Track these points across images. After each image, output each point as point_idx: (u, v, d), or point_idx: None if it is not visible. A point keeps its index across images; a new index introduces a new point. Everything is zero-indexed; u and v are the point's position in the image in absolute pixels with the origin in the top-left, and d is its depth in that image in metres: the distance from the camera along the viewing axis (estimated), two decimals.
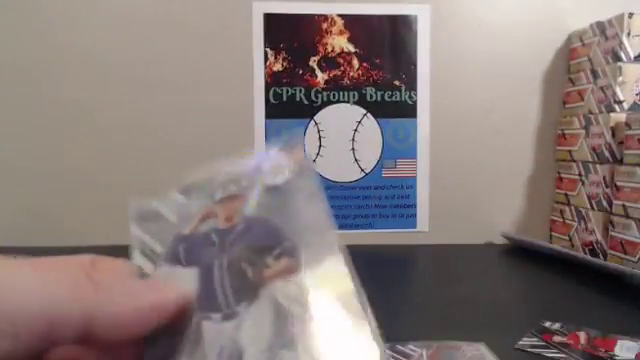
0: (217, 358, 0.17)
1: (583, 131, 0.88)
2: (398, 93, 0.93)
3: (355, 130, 0.92)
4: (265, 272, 0.19)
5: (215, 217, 0.20)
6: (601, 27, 0.86)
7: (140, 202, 0.22)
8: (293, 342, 0.17)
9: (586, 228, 0.84)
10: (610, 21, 0.84)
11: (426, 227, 0.94)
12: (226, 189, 0.21)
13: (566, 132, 0.93)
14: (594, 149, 0.84)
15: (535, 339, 0.48)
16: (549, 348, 0.46)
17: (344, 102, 0.92)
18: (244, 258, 0.19)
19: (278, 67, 0.91)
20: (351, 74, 0.92)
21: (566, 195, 0.91)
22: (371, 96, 0.92)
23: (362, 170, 0.93)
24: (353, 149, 0.92)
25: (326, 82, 0.92)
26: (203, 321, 0.18)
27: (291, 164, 0.21)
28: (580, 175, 0.87)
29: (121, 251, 0.21)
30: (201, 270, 0.19)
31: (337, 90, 0.92)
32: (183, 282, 0.19)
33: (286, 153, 0.22)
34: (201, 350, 0.17)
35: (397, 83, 0.93)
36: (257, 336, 0.17)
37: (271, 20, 0.91)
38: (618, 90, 0.81)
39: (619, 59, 0.81)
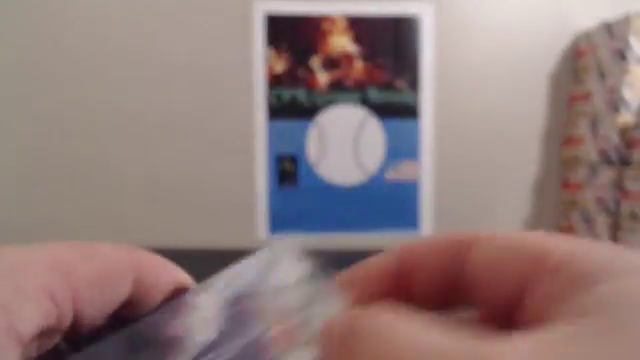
0: None
1: (590, 133, 0.86)
2: (401, 94, 0.92)
3: (357, 132, 0.91)
4: None
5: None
6: (608, 27, 0.85)
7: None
8: None
9: (593, 231, 0.83)
10: (617, 21, 0.82)
11: (429, 230, 0.93)
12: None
13: (572, 134, 0.91)
14: (601, 151, 0.83)
15: None
16: None
17: (346, 103, 0.91)
18: None
19: (280, 68, 0.90)
20: (353, 75, 0.91)
21: (572, 198, 0.90)
22: (374, 97, 0.91)
23: (365, 172, 0.91)
24: (355, 151, 0.91)
25: (328, 83, 0.91)
26: None
27: None
28: (587, 178, 0.86)
29: None
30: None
31: (339, 91, 0.91)
32: None
33: None
34: None
35: (400, 84, 0.91)
36: None
37: (272, 21, 0.90)
38: (625, 91, 0.80)
39: (626, 60, 0.80)
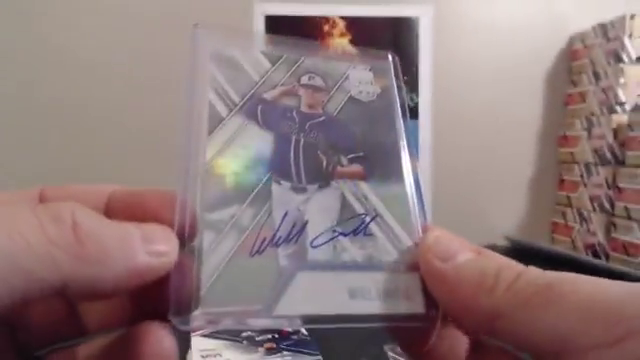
0: (281, 219, 0.18)
1: (585, 133, 0.87)
2: None
3: None
4: (338, 168, 0.20)
5: (298, 98, 0.21)
6: (603, 29, 0.86)
7: (218, 41, 0.21)
8: (354, 233, 0.19)
9: (588, 230, 0.84)
10: (612, 23, 0.84)
11: None
12: (312, 78, 0.22)
13: (568, 134, 0.93)
14: (596, 151, 0.84)
15: None
16: None
17: None
18: (321, 147, 0.21)
19: None
20: None
21: (568, 197, 0.91)
22: None
23: None
24: None
25: None
26: (273, 183, 0.19)
27: (376, 87, 0.23)
28: (582, 177, 0.87)
29: None
30: (276, 137, 0.20)
31: None
32: (257, 140, 0.20)
33: (374, 74, 0.23)
34: (267, 208, 0.18)
35: None
36: (322, 216, 0.19)
37: (272, 22, 0.91)
38: (620, 91, 0.81)
39: (621, 60, 0.81)
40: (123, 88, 0.89)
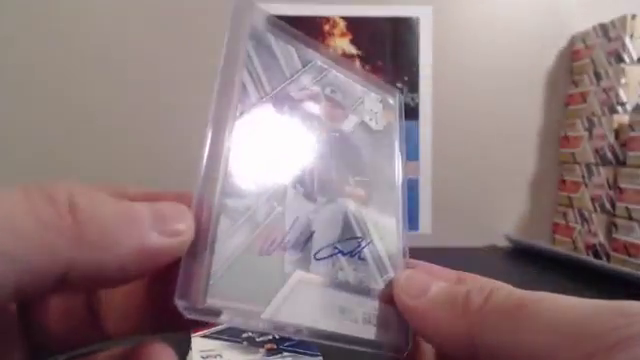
0: (291, 224, 0.18)
1: (586, 133, 0.87)
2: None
3: None
4: (345, 187, 0.21)
5: (319, 107, 0.22)
6: (604, 29, 0.86)
7: (259, 21, 0.20)
8: (351, 254, 0.20)
9: (589, 230, 0.84)
10: (613, 23, 0.84)
11: (429, 229, 0.93)
12: (335, 92, 0.22)
13: (569, 134, 0.93)
14: (597, 151, 0.84)
15: None
16: None
17: None
18: (333, 163, 0.21)
19: None
20: None
21: (569, 197, 0.91)
22: None
23: None
24: None
25: None
26: (290, 185, 0.19)
27: (383, 120, 0.24)
28: (583, 177, 0.87)
29: None
30: (297, 139, 0.20)
31: None
32: (281, 137, 0.20)
33: (383, 107, 0.24)
34: (281, 209, 0.18)
35: (399, 85, 0.92)
36: (326, 230, 0.20)
37: None
38: (621, 92, 0.81)
39: (622, 61, 0.81)
40: (122, 87, 0.89)
